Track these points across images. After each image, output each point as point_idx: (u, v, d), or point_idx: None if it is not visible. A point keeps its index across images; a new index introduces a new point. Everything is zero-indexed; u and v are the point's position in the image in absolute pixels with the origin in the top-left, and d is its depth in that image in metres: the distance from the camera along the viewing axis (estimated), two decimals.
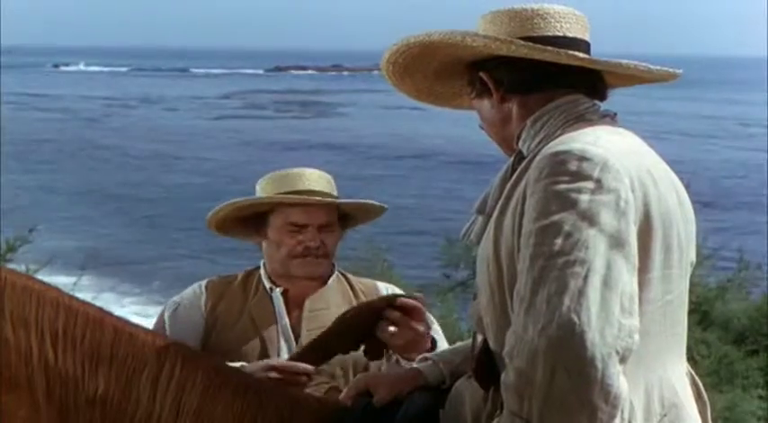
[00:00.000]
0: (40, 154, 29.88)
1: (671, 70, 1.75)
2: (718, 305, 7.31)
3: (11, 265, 8.38)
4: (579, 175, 1.49)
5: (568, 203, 1.47)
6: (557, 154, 1.53)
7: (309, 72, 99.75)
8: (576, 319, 1.39)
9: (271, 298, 2.34)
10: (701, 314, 6.91)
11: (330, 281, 2.40)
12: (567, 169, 1.50)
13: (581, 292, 1.41)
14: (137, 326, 1.91)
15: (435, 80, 1.92)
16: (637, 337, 1.44)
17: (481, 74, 1.76)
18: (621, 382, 1.41)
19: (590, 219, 1.46)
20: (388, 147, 31.89)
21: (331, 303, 2.33)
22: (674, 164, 1.72)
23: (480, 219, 1.73)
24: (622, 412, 1.47)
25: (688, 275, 1.69)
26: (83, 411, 1.77)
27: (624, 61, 1.71)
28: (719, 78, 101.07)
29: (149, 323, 2.28)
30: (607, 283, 1.43)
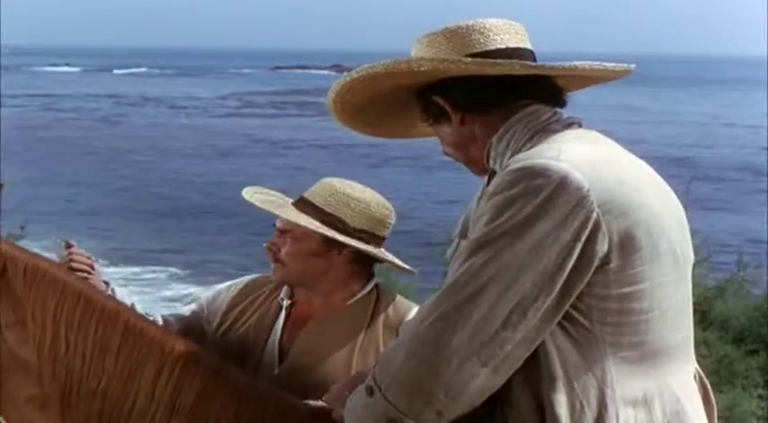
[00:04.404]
0: (37, 153, 29.85)
1: (625, 66, 1.73)
2: (718, 305, 7.32)
3: None
4: (529, 193, 1.48)
5: (509, 220, 1.48)
6: (514, 171, 1.52)
7: (309, 72, 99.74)
8: (455, 319, 1.47)
9: (280, 309, 2.27)
10: (701, 314, 6.91)
11: (351, 302, 2.24)
12: (520, 186, 1.49)
13: (471, 297, 1.47)
14: (150, 321, 1.95)
15: (387, 113, 1.88)
16: (509, 347, 1.47)
17: (435, 98, 1.72)
18: (474, 384, 1.47)
19: (522, 235, 1.47)
20: (387, 146, 31.86)
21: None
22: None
23: (463, 242, 1.69)
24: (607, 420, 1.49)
25: (688, 277, 1.67)
26: (83, 401, 1.81)
27: (579, 63, 1.68)
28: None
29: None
30: (504, 293, 1.47)
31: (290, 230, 2.23)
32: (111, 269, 15.87)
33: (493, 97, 1.69)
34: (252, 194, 2.26)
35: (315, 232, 2.18)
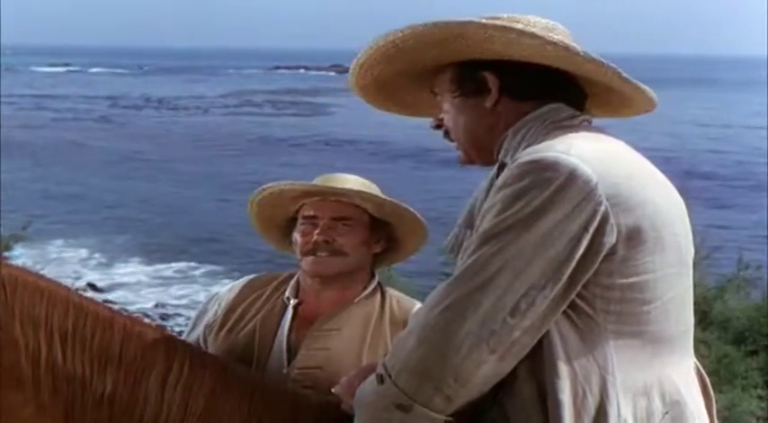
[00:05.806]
0: (37, 153, 29.86)
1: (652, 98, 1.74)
2: (718, 305, 7.33)
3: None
4: (539, 185, 1.50)
5: (519, 212, 1.50)
6: (524, 163, 1.54)
7: (309, 72, 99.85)
8: (465, 307, 1.49)
9: (286, 307, 2.22)
10: (701, 314, 6.92)
11: (358, 299, 2.21)
12: (530, 178, 1.51)
13: (480, 287, 1.50)
14: (146, 325, 1.91)
15: (405, 89, 1.88)
16: (517, 334, 1.49)
17: (485, 74, 1.71)
18: (482, 370, 1.49)
19: (531, 226, 1.49)
20: (388, 144, 31.91)
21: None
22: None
23: (468, 232, 1.71)
24: (607, 415, 1.51)
25: (690, 271, 1.69)
26: (90, 411, 1.76)
27: (644, 86, 1.69)
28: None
29: None
30: (513, 282, 1.49)
31: (347, 217, 2.18)
32: (146, 267, 15.93)
33: (541, 90, 1.70)
34: (282, 184, 2.22)
35: (369, 213, 2.17)
